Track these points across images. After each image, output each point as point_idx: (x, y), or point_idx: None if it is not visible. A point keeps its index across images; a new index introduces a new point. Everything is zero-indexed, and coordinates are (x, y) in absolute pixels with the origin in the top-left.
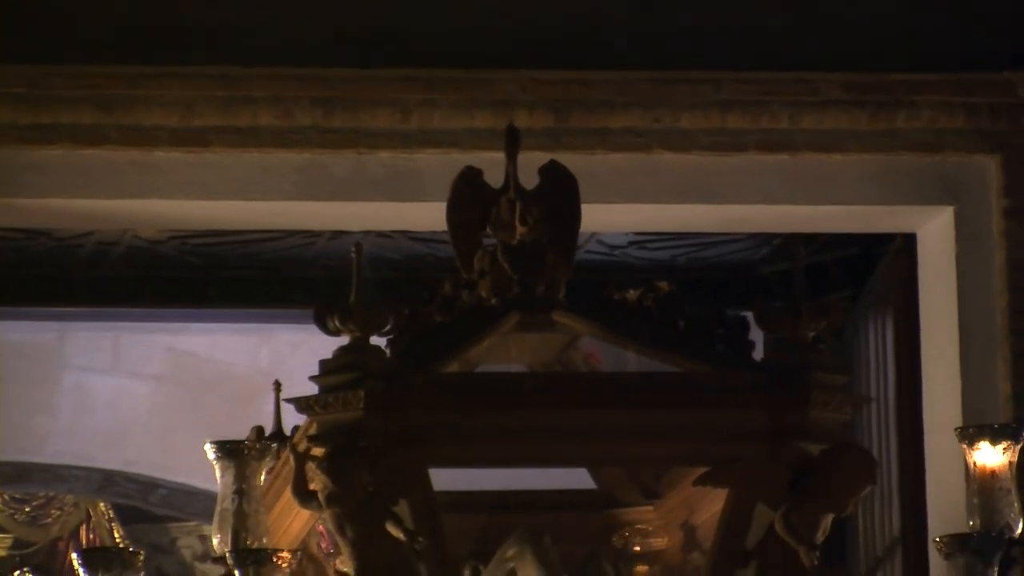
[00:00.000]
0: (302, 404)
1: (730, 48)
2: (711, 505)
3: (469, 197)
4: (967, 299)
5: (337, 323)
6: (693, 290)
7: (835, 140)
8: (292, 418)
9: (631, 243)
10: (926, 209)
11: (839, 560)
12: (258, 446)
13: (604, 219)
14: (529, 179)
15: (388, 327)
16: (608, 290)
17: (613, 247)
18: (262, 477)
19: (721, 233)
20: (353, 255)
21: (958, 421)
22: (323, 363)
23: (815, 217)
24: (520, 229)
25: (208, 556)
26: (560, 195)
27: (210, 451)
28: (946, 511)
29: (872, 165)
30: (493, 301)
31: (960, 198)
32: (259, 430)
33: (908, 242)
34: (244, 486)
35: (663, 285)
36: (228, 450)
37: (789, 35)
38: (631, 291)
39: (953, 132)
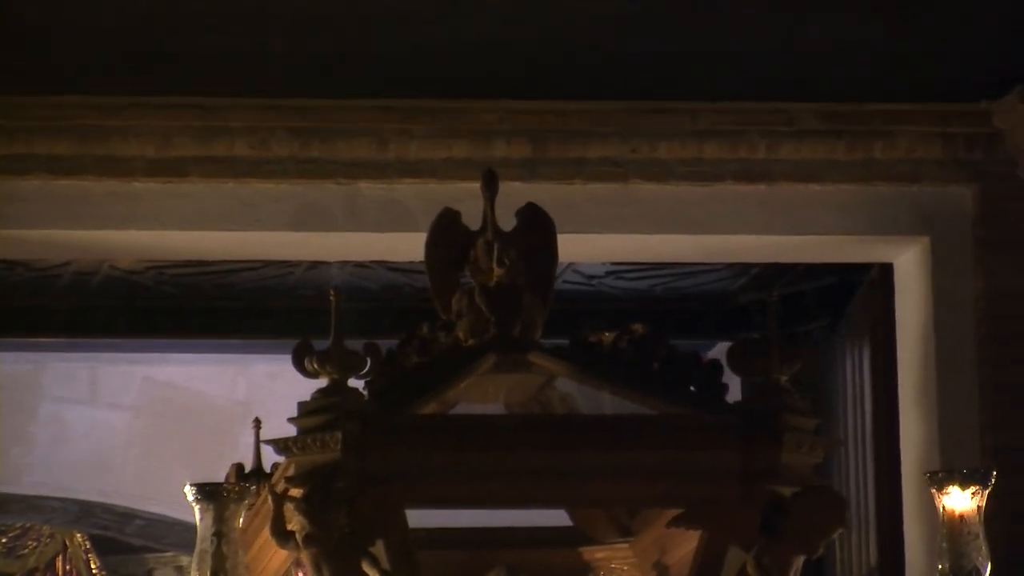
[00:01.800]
0: (280, 445)
1: (707, 78)
2: (684, 544)
3: (447, 239)
4: (943, 328)
5: (315, 365)
6: (670, 320)
7: (812, 170)
8: (272, 455)
9: (608, 273)
10: (903, 239)
11: None
12: (237, 488)
13: (581, 249)
14: (506, 210)
15: (365, 369)
16: (584, 332)
17: (590, 277)
18: (240, 519)
19: (698, 263)
20: (332, 299)
21: (935, 450)
22: (301, 405)
23: (792, 247)
24: (497, 271)
25: None
26: (537, 237)
27: (189, 493)
28: (922, 541)
29: (849, 195)
30: (470, 342)
31: (936, 228)
32: (239, 467)
33: (885, 272)
34: (223, 528)
35: (638, 327)
36: (208, 492)
37: (766, 65)
38: (607, 333)
39: (930, 162)
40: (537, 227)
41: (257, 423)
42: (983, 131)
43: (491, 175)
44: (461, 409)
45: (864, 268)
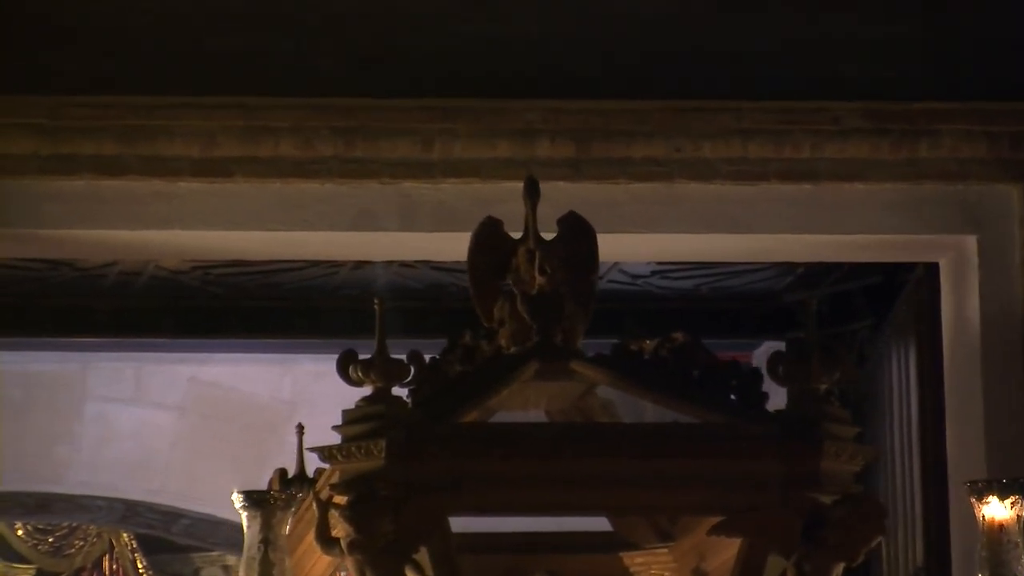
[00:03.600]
0: (325, 453)
1: (751, 77)
2: (723, 551)
3: (489, 247)
4: (990, 327)
5: (359, 374)
6: (715, 319)
7: (857, 169)
8: (315, 459)
9: (654, 272)
10: (948, 238)
11: None
12: (284, 496)
13: (626, 249)
14: (550, 210)
15: (409, 378)
16: (625, 340)
17: (635, 276)
18: (287, 527)
19: (743, 262)
20: (376, 307)
21: (981, 448)
22: (345, 413)
23: (837, 246)
24: (539, 279)
25: None
26: (579, 245)
27: (237, 500)
28: (970, 541)
29: (894, 194)
30: (512, 350)
31: (982, 226)
32: (282, 472)
33: (931, 270)
34: (270, 535)
35: (679, 336)
36: (255, 500)
37: (810, 63)
38: (647, 341)
39: (975, 161)
40: (579, 235)
41: (300, 428)
42: None
43: (532, 182)
44: (501, 416)
45: (910, 267)
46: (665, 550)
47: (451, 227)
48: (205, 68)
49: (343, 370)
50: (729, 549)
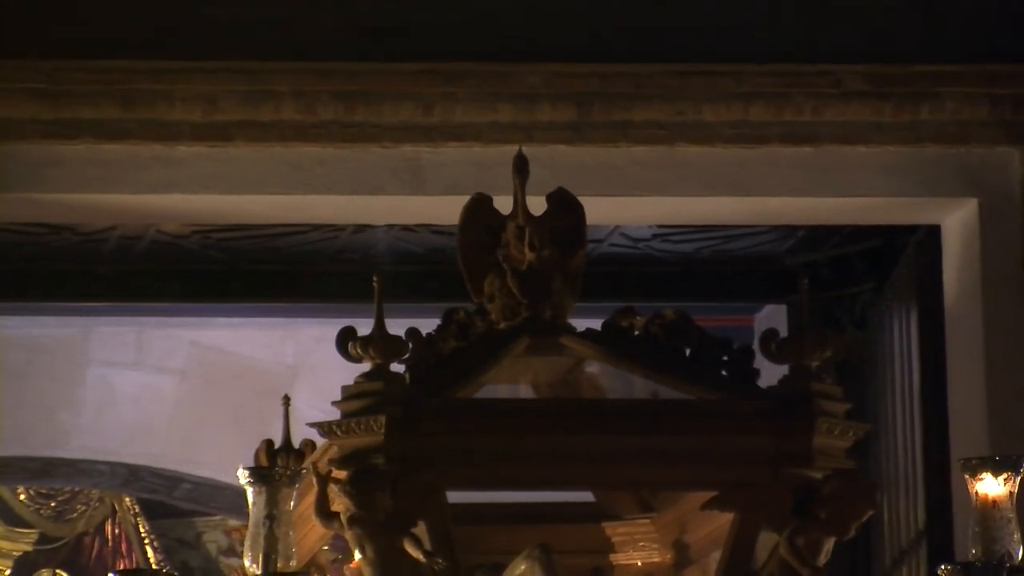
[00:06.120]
0: (324, 429)
1: (752, 40)
2: (705, 524)
3: (478, 223)
4: (991, 290)
5: (358, 350)
6: (717, 282)
7: (858, 132)
8: (303, 431)
9: (655, 236)
10: (950, 201)
11: (863, 551)
12: (289, 472)
13: (627, 212)
14: (552, 173)
15: (407, 354)
16: (616, 316)
17: (637, 240)
18: (291, 502)
19: (744, 226)
20: (375, 284)
21: (983, 412)
22: (345, 389)
23: (839, 209)
24: (528, 254)
25: (233, 550)
26: (567, 220)
27: (243, 476)
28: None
29: (895, 157)
30: (502, 325)
31: (984, 189)
32: (269, 444)
33: (932, 233)
34: (275, 511)
35: (669, 312)
36: (260, 475)
37: (811, 27)
38: (638, 317)
39: (977, 123)
40: (567, 211)
41: (286, 400)
42: None
43: (522, 159)
44: (488, 390)
45: (911, 230)
46: (647, 521)
47: (452, 191)
48: (206, 32)
49: (342, 347)
50: (711, 522)
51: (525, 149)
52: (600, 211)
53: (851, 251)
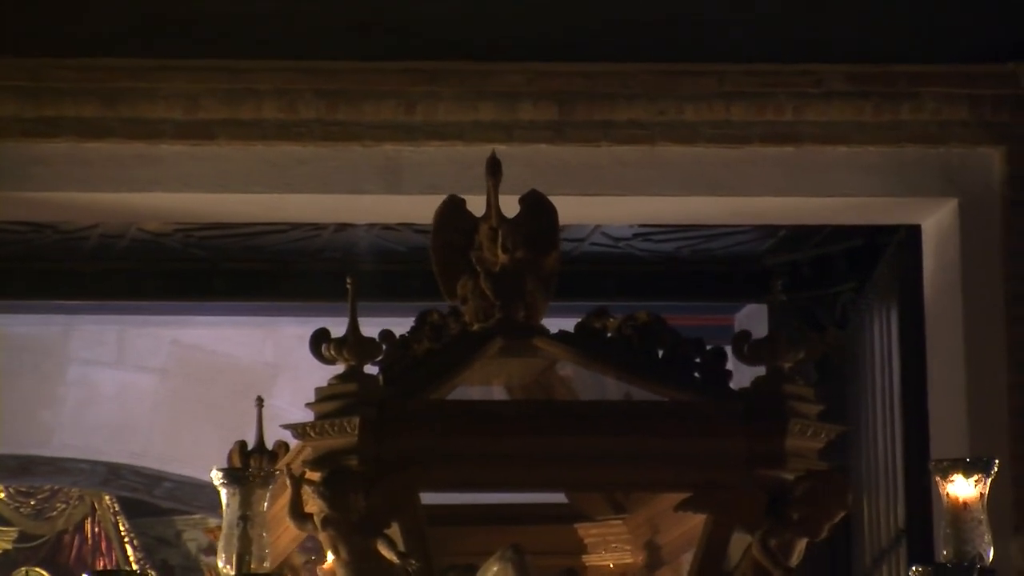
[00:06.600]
0: (298, 430)
1: (734, 40)
2: (677, 525)
3: (452, 225)
4: (971, 289)
5: (332, 352)
6: (697, 282)
7: (839, 132)
8: (276, 432)
9: (636, 235)
10: (930, 201)
11: (843, 550)
12: (262, 474)
13: (608, 211)
14: (532, 173)
15: (381, 356)
16: (589, 317)
17: (617, 239)
18: (265, 503)
19: (725, 225)
20: (349, 286)
21: (963, 411)
22: (318, 391)
23: (819, 209)
24: (501, 256)
25: (213, 549)
26: (540, 222)
27: (216, 478)
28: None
29: (876, 157)
30: (476, 327)
31: (964, 189)
32: (242, 444)
33: (912, 233)
34: (248, 512)
35: (642, 315)
36: (234, 477)
37: (793, 26)
38: (611, 319)
39: (957, 124)
40: (540, 212)
41: (260, 401)
42: (1011, 92)
43: (494, 162)
44: (462, 392)
45: (892, 230)
46: (619, 522)
47: (434, 190)
48: (189, 31)
49: (316, 348)
50: (684, 523)
51: (507, 148)
52: (581, 210)
53: (832, 251)
